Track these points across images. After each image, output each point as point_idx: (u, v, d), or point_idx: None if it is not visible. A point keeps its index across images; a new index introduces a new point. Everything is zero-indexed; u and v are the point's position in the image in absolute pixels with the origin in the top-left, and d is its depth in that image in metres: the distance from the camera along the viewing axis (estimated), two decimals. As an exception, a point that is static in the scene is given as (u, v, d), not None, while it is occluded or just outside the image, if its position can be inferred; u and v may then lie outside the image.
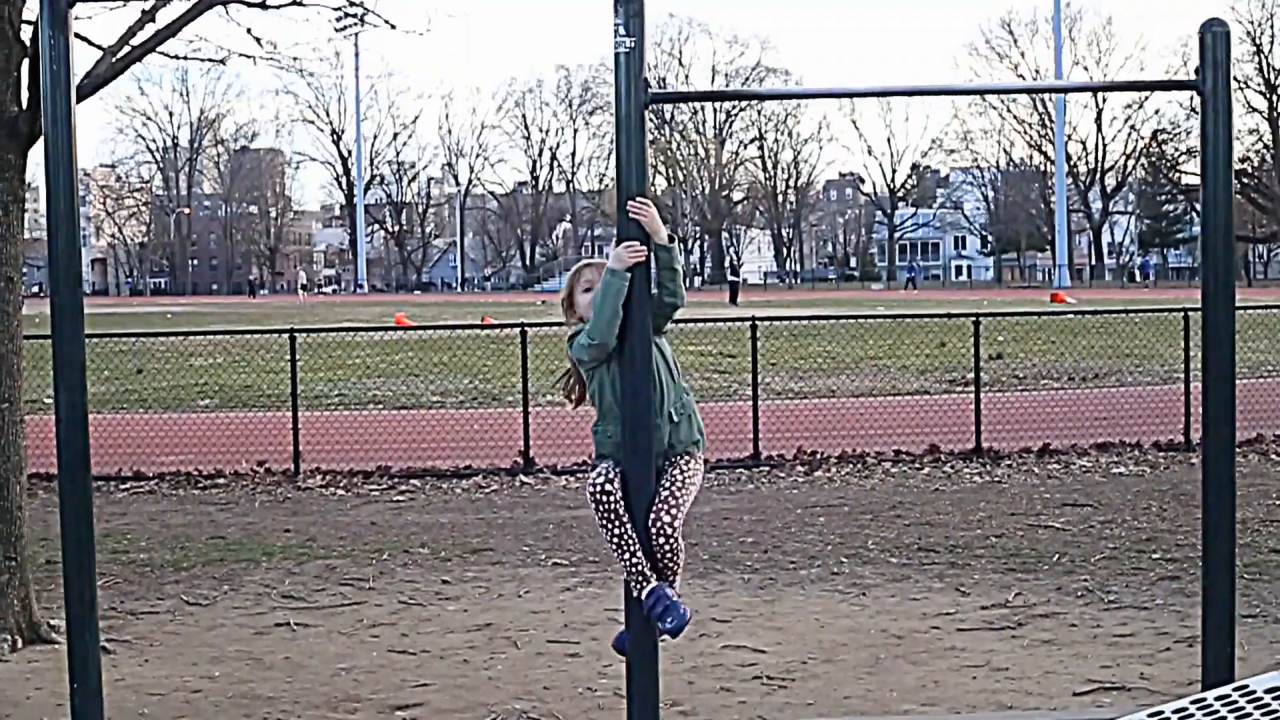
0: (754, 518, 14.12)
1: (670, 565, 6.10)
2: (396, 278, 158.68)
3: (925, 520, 13.74)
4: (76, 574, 5.92)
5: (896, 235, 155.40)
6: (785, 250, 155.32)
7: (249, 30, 12.30)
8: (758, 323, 19.36)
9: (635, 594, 6.10)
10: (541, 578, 11.59)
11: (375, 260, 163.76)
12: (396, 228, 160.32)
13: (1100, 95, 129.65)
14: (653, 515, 6.00)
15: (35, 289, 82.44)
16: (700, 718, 8.06)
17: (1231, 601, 6.03)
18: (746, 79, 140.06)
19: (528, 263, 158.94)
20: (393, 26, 11.66)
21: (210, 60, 12.70)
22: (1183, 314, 19.62)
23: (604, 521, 6.05)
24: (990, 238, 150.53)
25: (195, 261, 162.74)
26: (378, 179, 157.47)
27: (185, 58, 12.75)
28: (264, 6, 10.44)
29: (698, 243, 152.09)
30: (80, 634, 5.94)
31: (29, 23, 9.73)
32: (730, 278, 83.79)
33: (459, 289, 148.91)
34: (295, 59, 13.06)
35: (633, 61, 5.66)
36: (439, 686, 8.57)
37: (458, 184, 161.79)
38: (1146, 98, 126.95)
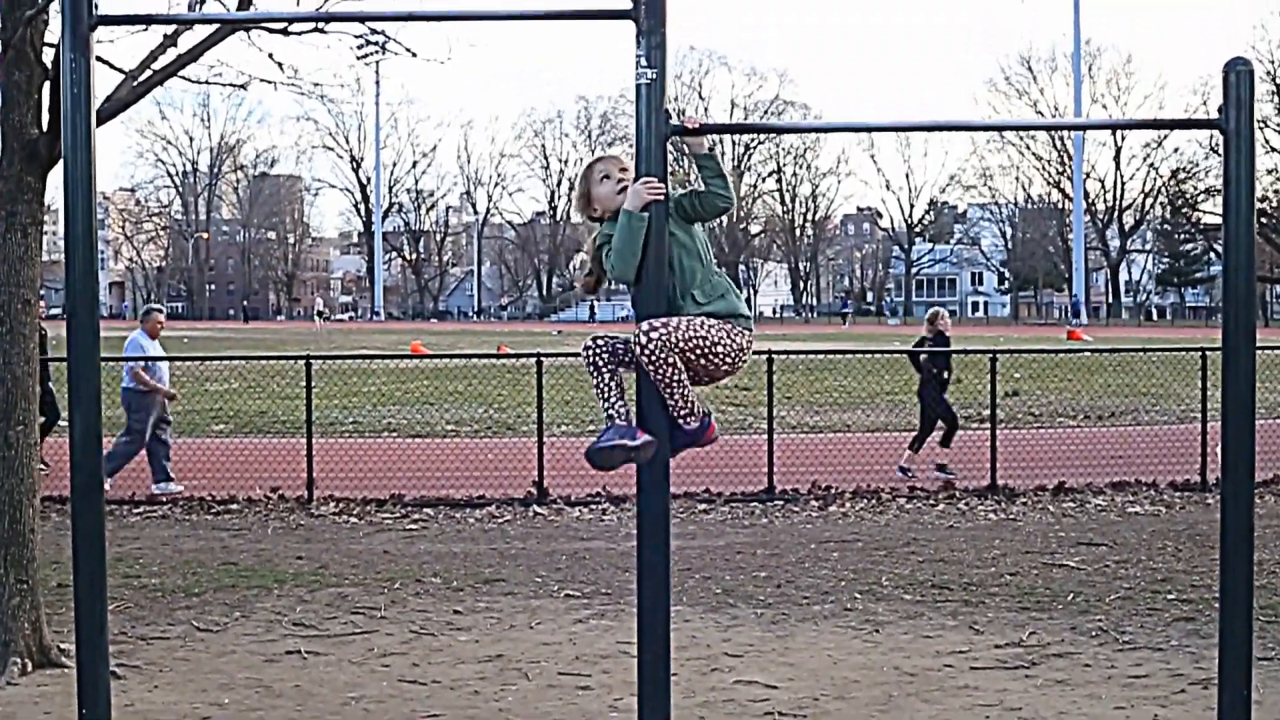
0: (768, 552, 14.06)
1: (665, 379, 5.95)
2: (413, 306, 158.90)
3: (939, 557, 13.68)
4: (88, 598, 5.88)
5: (913, 270, 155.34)
6: (802, 284, 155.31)
7: (270, 55, 12.29)
8: (774, 356, 19.27)
9: (607, 423, 6.13)
10: (553, 609, 11.55)
11: (392, 288, 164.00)
12: (414, 255, 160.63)
13: (1119, 133, 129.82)
14: (643, 328, 5.91)
15: (54, 311, 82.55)
16: (711, 753, 8.01)
17: (1248, 643, 5.97)
18: (765, 112, 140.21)
19: (544, 292, 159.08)
20: (414, 55, 11.66)
21: (231, 85, 12.68)
22: (1200, 353, 19.57)
23: (590, 371, 6.12)
24: (1007, 274, 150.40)
25: (213, 286, 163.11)
26: (396, 207, 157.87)
27: (206, 82, 12.73)
28: (286, 33, 10.42)
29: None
30: (90, 658, 5.90)
31: (51, 45, 9.74)
32: None
33: (475, 318, 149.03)
34: (316, 85, 13.03)
35: (654, 93, 5.65)
36: (449, 717, 8.54)
37: (476, 213, 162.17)
38: (1165, 136, 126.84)
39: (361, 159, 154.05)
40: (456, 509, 16.87)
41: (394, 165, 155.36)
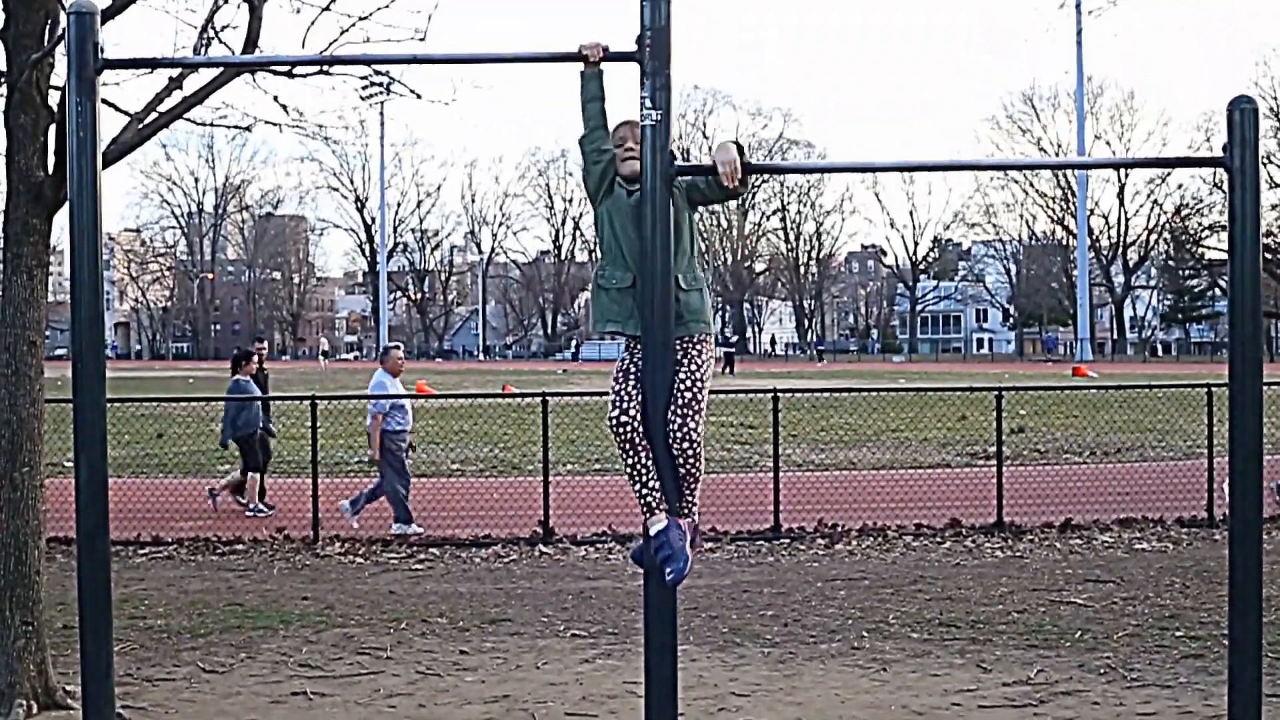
0: (774, 590, 14.04)
1: (691, 472, 6.16)
2: (418, 345, 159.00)
3: (946, 595, 13.65)
4: (94, 641, 5.88)
5: (918, 307, 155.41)
6: (807, 321, 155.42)
7: (275, 98, 12.32)
8: (779, 394, 19.26)
9: (644, 526, 6.20)
10: (560, 649, 11.52)
11: (397, 327, 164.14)
12: (419, 295, 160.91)
13: (1123, 170, 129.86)
14: (677, 422, 6.01)
15: (58, 352, 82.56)
16: (719, 793, 7.98)
17: (1258, 681, 5.96)
18: (770, 151, 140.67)
19: (549, 331, 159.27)
20: (419, 96, 11.66)
21: (236, 127, 12.68)
22: (1206, 389, 19.55)
23: (621, 450, 6.13)
24: (1012, 311, 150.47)
25: (218, 326, 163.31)
26: (401, 246, 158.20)
27: (211, 124, 12.74)
28: (290, 75, 10.44)
29: (719, 313, 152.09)
30: (96, 701, 5.90)
31: (57, 88, 9.76)
32: (724, 348, 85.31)
33: (481, 357, 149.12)
34: (321, 126, 13.03)
35: (659, 134, 5.67)
36: (456, 758, 8.50)
37: (480, 252, 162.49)
38: (1169, 173, 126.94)
39: (366, 199, 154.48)
40: (463, 548, 16.85)
41: (399, 205, 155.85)
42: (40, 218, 9.84)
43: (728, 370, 76.74)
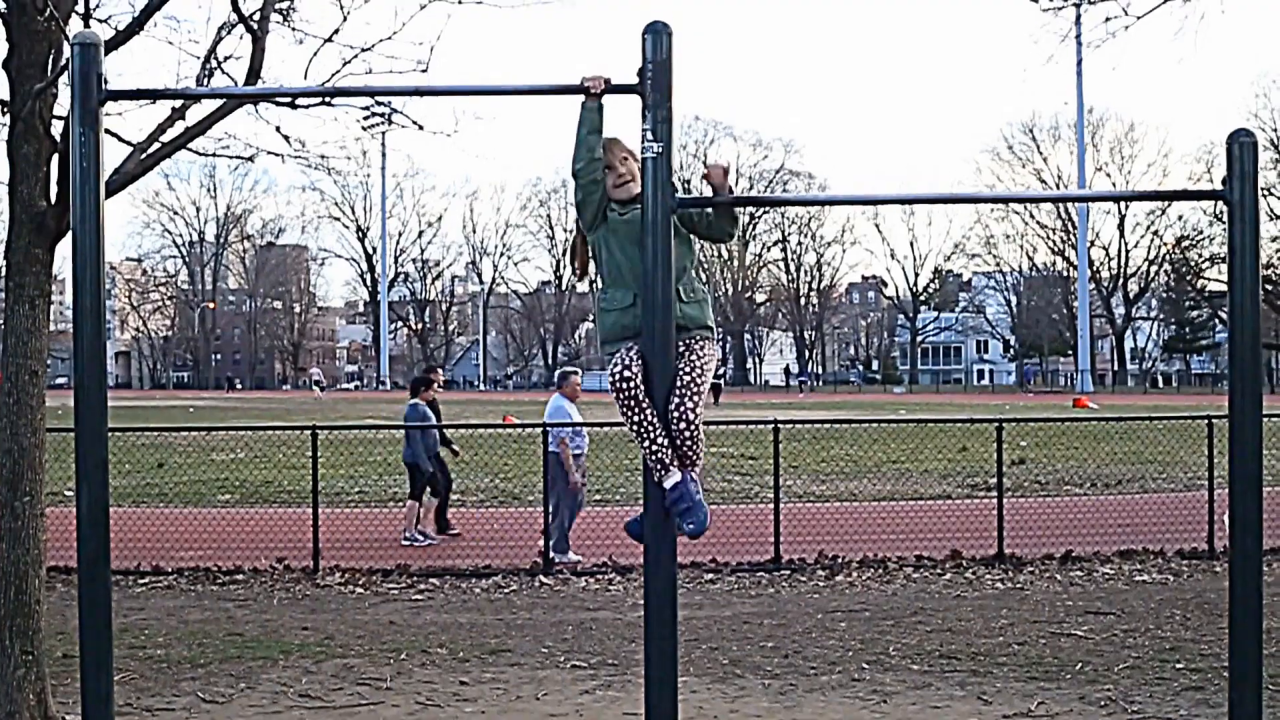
0: (774, 622, 14.02)
1: (692, 453, 6.09)
2: (418, 375, 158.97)
3: (947, 627, 13.63)
4: (94, 671, 5.87)
5: (919, 338, 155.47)
6: (807, 352, 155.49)
7: (278, 128, 12.35)
8: (779, 425, 19.25)
9: (656, 480, 6.05)
10: (560, 680, 11.50)
11: (398, 357, 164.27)
12: (420, 325, 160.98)
13: (1122, 203, 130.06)
14: (674, 402, 6.00)
15: (58, 381, 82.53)
16: (719, 825, 7.96)
17: (1258, 713, 5.95)
18: (770, 182, 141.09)
19: (550, 361, 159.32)
20: (420, 128, 11.69)
21: (238, 158, 12.73)
22: (1207, 421, 19.56)
23: (624, 408, 6.06)
24: (1013, 342, 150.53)
25: (219, 356, 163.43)
26: (402, 276, 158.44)
27: (214, 155, 12.77)
28: (293, 106, 10.48)
29: (720, 344, 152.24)
30: (96, 733, 5.88)
31: (59, 118, 9.79)
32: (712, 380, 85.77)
33: (481, 387, 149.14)
34: (324, 157, 13.05)
35: (660, 166, 5.68)
36: (455, 789, 8.49)
37: (481, 282, 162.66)
38: (1170, 204, 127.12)
39: (367, 229, 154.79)
40: (463, 579, 16.83)
41: (400, 235, 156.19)
42: (42, 247, 9.86)
43: (714, 401, 77.09)
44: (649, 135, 5.68)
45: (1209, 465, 18.79)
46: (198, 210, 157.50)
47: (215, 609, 15.07)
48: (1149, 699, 10.65)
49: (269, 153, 12.92)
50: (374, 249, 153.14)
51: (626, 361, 6.04)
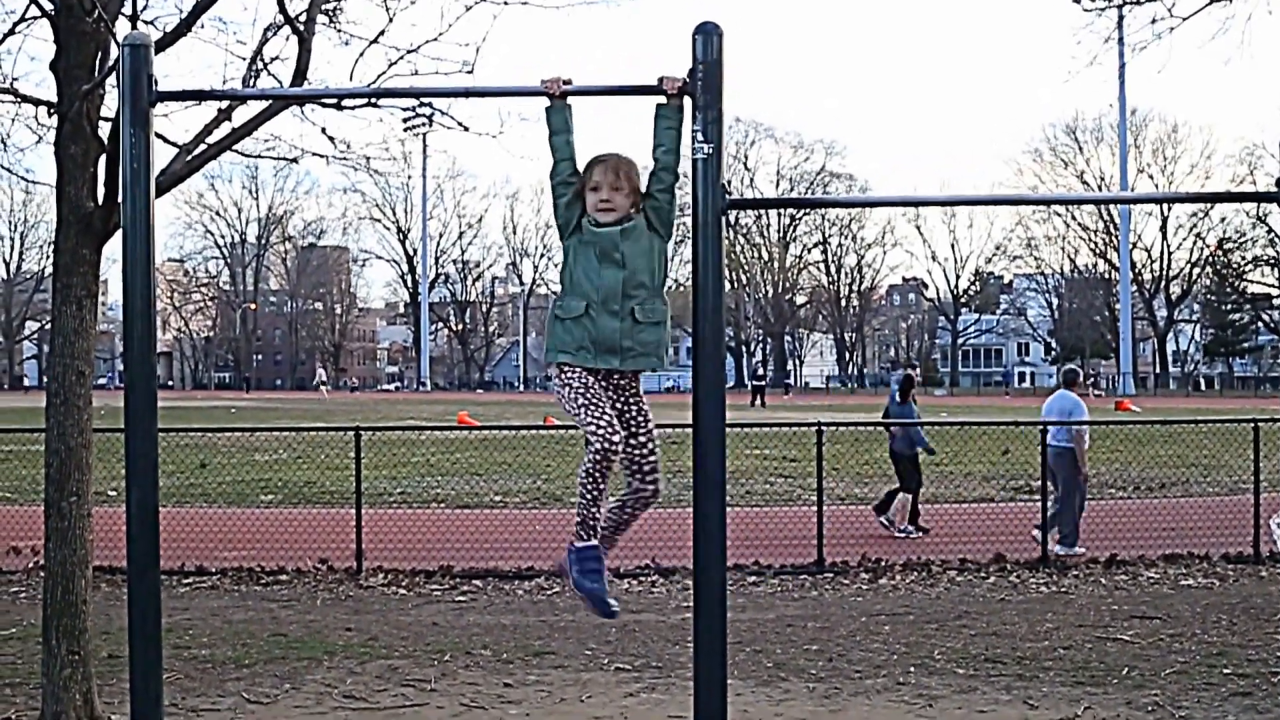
0: (818, 624, 13.99)
1: (654, 484, 6.34)
2: (459, 376, 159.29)
3: (992, 630, 13.58)
4: (144, 673, 5.87)
5: (959, 341, 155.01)
6: (848, 354, 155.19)
7: (323, 130, 12.36)
8: (823, 428, 19.19)
9: (576, 538, 6.35)
10: (604, 682, 11.48)
11: (438, 358, 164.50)
12: (460, 326, 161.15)
13: (1165, 204, 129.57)
14: (650, 455, 6.18)
15: (99, 381, 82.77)
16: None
17: (1311, 721, 5.90)
18: (811, 184, 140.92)
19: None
20: (465, 129, 11.66)
21: (283, 159, 12.74)
22: (1252, 425, 19.45)
23: (596, 474, 6.11)
24: (1054, 344, 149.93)
25: (259, 357, 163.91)
26: (443, 277, 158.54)
27: (259, 156, 12.79)
28: (339, 107, 10.49)
29: (760, 345, 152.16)
30: (145, 734, 5.88)
31: (106, 119, 9.82)
32: (754, 381, 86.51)
33: (521, 388, 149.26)
34: (367, 159, 13.05)
35: (710, 167, 5.65)
36: (500, 791, 8.47)
37: (521, 283, 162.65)
38: (1212, 206, 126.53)
39: (408, 230, 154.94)
40: (505, 580, 16.84)
41: (440, 236, 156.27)
42: (90, 248, 9.88)
43: (758, 403, 77.58)
44: (699, 136, 5.65)
45: (1255, 469, 18.70)
46: (239, 211, 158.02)
47: (259, 609, 15.11)
48: (1196, 704, 10.58)
49: (313, 154, 12.93)
50: (415, 250, 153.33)
51: (615, 434, 6.07)
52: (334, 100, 10.36)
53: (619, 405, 6.18)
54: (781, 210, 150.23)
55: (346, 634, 13.64)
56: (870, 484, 26.73)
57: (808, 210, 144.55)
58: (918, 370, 25.14)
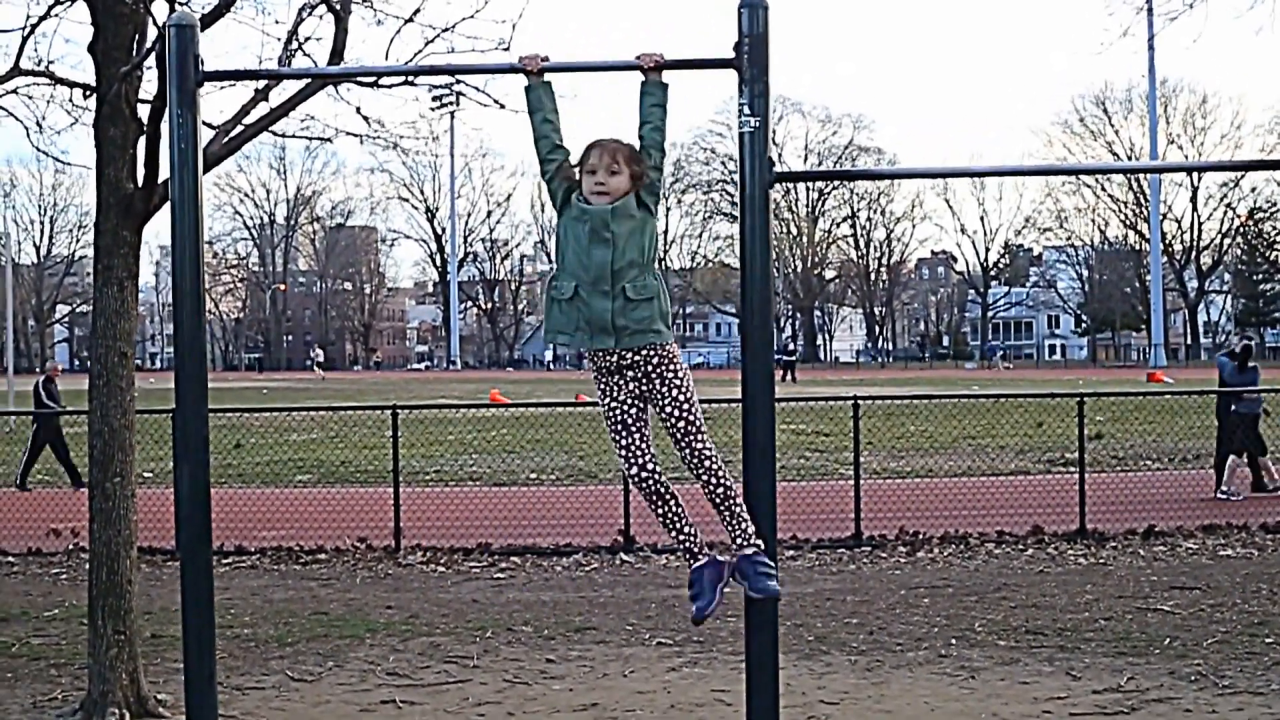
0: (857, 599, 13.98)
1: (727, 493, 6.03)
2: (489, 354, 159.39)
3: (1031, 603, 13.56)
4: (196, 653, 5.91)
5: (989, 314, 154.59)
6: (878, 328, 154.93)
7: (358, 109, 12.37)
8: (859, 401, 19.16)
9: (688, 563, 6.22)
10: (646, 657, 11.51)
11: (468, 337, 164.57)
12: (489, 305, 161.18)
13: (1197, 174, 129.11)
14: (686, 451, 6.02)
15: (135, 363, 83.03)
16: (813, 801, 7.94)
17: (1363, 689, 5.89)
18: (839, 158, 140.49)
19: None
20: (502, 106, 11.61)
21: (318, 139, 12.76)
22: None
23: (651, 502, 6.12)
24: (1085, 317, 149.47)
25: (289, 337, 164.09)
26: (471, 256, 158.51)
27: (294, 136, 12.80)
28: (375, 85, 10.49)
29: (790, 320, 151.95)
30: (199, 711, 5.92)
31: (145, 102, 9.84)
32: (785, 357, 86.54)
33: (551, 366, 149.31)
34: (402, 137, 13.07)
35: (757, 140, 5.66)
36: (547, 766, 8.49)
37: (550, 261, 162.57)
38: (1243, 176, 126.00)
39: (436, 209, 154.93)
40: (544, 557, 16.87)
41: (468, 215, 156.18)
42: (130, 230, 9.92)
43: (788, 378, 77.63)
44: (745, 110, 5.66)
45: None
46: (268, 192, 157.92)
47: (299, 588, 15.17)
48: (1239, 674, 10.56)
49: (347, 133, 12.96)
50: (443, 229, 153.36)
51: (641, 460, 6.07)
52: (371, 79, 10.38)
53: (642, 389, 6.12)
54: (810, 184, 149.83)
55: (387, 612, 13.68)
56: (905, 457, 26.72)
57: (837, 184, 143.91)
58: (1251, 340, 25.80)
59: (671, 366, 6.09)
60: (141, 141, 9.87)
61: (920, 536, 17.46)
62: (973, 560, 16.33)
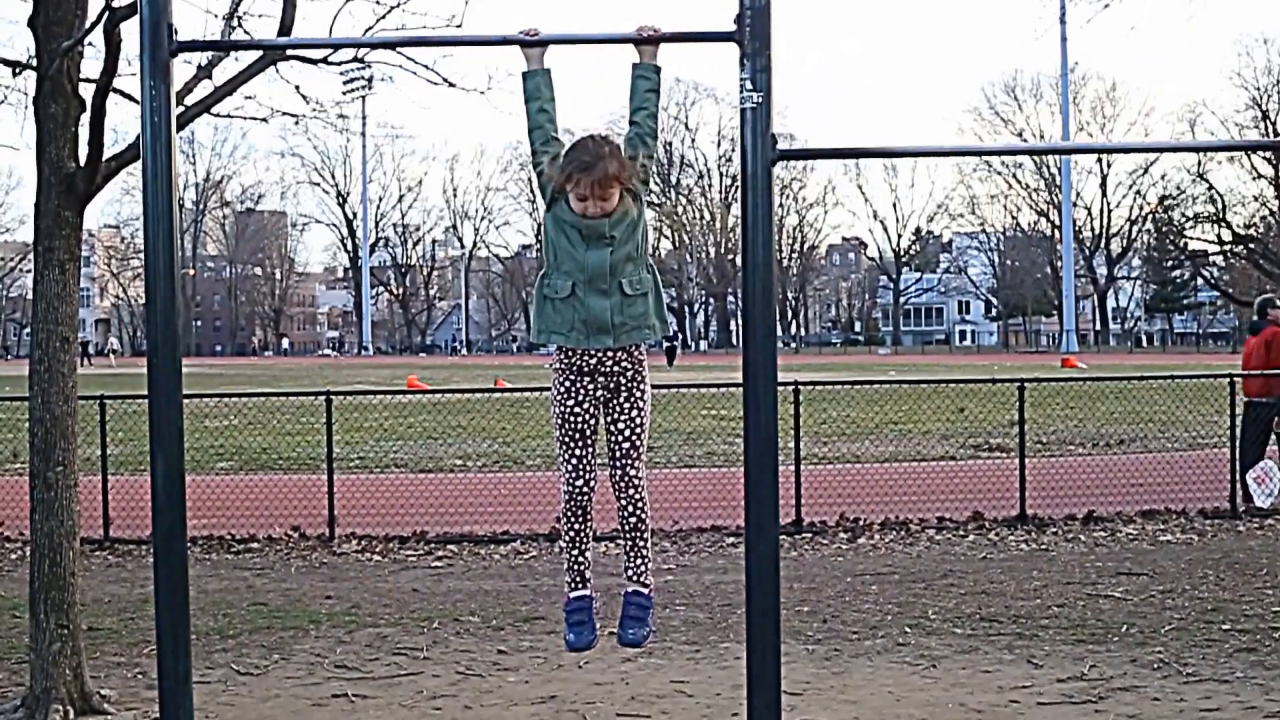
0: (804, 586, 13.83)
1: (642, 524, 6.21)
2: (401, 340, 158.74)
3: (981, 589, 13.45)
4: (172, 649, 5.66)
5: (901, 300, 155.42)
6: (790, 314, 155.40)
7: (297, 88, 12.11)
8: (800, 387, 19.00)
9: (567, 586, 6.38)
10: (600, 648, 11.19)
11: (379, 322, 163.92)
12: (401, 290, 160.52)
13: (1106, 161, 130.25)
14: (628, 472, 5.99)
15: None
16: (789, 796, 7.76)
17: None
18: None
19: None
20: (451, 85, 11.36)
21: (253, 119, 12.46)
22: (1229, 380, 19.44)
23: (572, 518, 6.15)
24: (995, 302, 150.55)
25: (199, 323, 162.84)
26: (382, 241, 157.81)
27: (230, 116, 12.49)
28: (327, 61, 10.24)
29: (703, 306, 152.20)
30: (173, 710, 5.67)
31: (88, 80, 9.56)
32: (666, 342, 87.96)
33: (464, 352, 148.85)
34: (342, 117, 12.87)
35: (760, 117, 5.44)
36: (512, 762, 8.27)
37: (462, 246, 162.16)
38: (1153, 163, 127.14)
39: (348, 194, 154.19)
40: (481, 545, 16.62)
41: (380, 200, 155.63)
42: (72, 210, 9.63)
43: (671, 363, 78.44)
44: (748, 85, 5.45)
45: (1231, 423, 18.68)
46: (176, 177, 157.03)
47: (233, 578, 14.87)
48: (1202, 661, 10.48)
49: (284, 113, 12.70)
50: (354, 214, 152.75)
51: (586, 476, 6.02)
52: (321, 55, 10.12)
53: (608, 391, 5.97)
54: (721, 170, 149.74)
55: (327, 602, 13.41)
56: (830, 443, 26.62)
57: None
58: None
59: (641, 385, 6.06)
60: (84, 120, 9.58)
61: (861, 523, 17.35)
62: (914, 546, 16.23)
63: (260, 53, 9.72)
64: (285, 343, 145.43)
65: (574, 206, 5.87)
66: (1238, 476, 17.96)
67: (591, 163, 5.81)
